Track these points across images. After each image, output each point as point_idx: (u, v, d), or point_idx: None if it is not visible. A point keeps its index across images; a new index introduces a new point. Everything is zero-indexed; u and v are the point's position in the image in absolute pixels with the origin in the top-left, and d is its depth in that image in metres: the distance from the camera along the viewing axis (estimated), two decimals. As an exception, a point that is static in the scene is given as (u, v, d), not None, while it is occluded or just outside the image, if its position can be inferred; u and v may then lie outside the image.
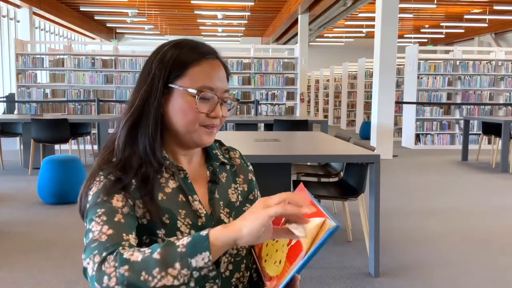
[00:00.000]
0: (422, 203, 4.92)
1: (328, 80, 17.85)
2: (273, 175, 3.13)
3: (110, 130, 7.14)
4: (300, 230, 0.84)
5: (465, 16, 15.08)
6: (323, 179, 4.30)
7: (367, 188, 3.10)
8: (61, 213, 4.36)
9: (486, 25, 17.23)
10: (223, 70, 1.04)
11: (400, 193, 5.44)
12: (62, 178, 4.62)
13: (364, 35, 19.96)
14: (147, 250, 0.82)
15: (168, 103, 1.00)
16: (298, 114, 9.98)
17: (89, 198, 0.94)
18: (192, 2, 12.49)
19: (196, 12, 14.28)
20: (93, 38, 19.31)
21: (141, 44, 20.67)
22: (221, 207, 1.06)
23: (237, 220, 0.84)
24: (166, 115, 1.01)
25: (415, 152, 9.31)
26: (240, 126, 6.90)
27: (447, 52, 13.62)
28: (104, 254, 0.82)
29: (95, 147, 8.19)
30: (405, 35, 20.37)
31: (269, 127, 6.80)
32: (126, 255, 0.81)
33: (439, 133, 10.16)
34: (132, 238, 0.89)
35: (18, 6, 12.30)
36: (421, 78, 10.27)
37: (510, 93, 10.66)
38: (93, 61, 9.42)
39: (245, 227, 0.81)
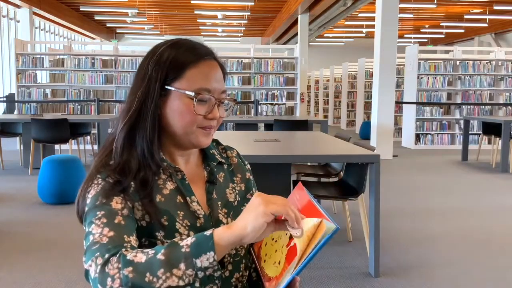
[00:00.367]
0: (422, 203, 4.92)
1: (328, 80, 17.85)
2: (273, 175, 3.13)
3: (110, 130, 7.13)
4: (298, 231, 0.84)
5: (465, 16, 15.08)
6: (323, 179, 4.30)
7: (367, 188, 3.10)
8: (61, 213, 4.36)
9: (486, 25, 17.23)
10: (220, 70, 1.04)
11: (400, 193, 5.44)
12: (62, 178, 4.62)
13: (364, 35, 19.96)
14: (150, 251, 0.82)
15: (165, 105, 0.99)
16: (298, 114, 9.98)
17: (88, 201, 0.94)
18: (192, 2, 12.49)
19: (196, 12, 14.28)
20: (93, 38, 19.31)
21: (141, 44, 20.64)
22: (219, 207, 1.05)
23: (239, 218, 0.84)
24: (163, 117, 1.00)
25: (415, 152, 9.31)
26: (240, 126, 6.91)
27: (447, 52, 13.62)
28: (106, 256, 0.82)
29: (95, 147, 8.19)
30: (405, 35, 20.37)
31: (269, 127, 6.80)
32: (129, 256, 0.81)
33: (439, 133, 10.16)
34: (133, 239, 0.89)
35: (18, 6, 12.30)
36: (421, 78, 10.27)
37: (510, 93, 10.66)
38: (93, 61, 9.42)
39: (249, 224, 0.82)
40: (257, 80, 9.85)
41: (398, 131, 11.16)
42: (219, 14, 14.89)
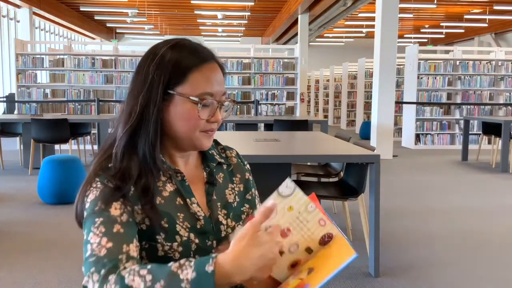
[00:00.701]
0: (422, 203, 4.92)
1: (328, 80, 17.85)
2: (273, 175, 3.12)
3: (110, 130, 7.13)
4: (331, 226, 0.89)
5: (465, 16, 15.08)
6: (323, 179, 4.30)
7: (367, 188, 3.10)
8: (61, 213, 4.36)
9: (486, 25, 17.23)
10: (221, 72, 1.03)
11: (400, 193, 5.44)
12: (62, 178, 4.62)
13: (364, 35, 19.96)
14: (148, 277, 0.80)
15: (167, 109, 0.98)
16: (298, 114, 9.97)
17: (87, 205, 0.93)
18: (192, 2, 12.49)
19: (196, 12, 14.28)
20: (93, 38, 19.31)
21: (141, 44, 20.64)
22: (219, 208, 1.05)
23: (244, 257, 0.81)
24: (165, 121, 0.99)
25: (415, 152, 9.31)
26: (240, 126, 6.90)
27: (447, 52, 13.62)
28: (102, 272, 0.81)
29: (95, 147, 8.19)
30: (405, 35, 20.37)
31: (269, 127, 6.80)
32: (127, 280, 0.79)
33: (439, 133, 10.15)
34: (133, 247, 0.88)
35: (18, 6, 12.30)
36: (421, 78, 10.27)
37: (510, 93, 10.65)
38: (93, 61, 9.42)
39: (254, 265, 0.80)
40: (257, 80, 9.85)
41: (398, 131, 11.16)
42: (219, 14, 14.89)
